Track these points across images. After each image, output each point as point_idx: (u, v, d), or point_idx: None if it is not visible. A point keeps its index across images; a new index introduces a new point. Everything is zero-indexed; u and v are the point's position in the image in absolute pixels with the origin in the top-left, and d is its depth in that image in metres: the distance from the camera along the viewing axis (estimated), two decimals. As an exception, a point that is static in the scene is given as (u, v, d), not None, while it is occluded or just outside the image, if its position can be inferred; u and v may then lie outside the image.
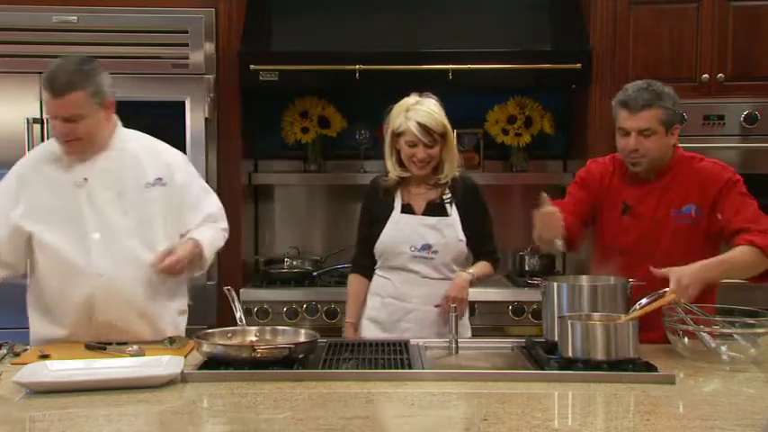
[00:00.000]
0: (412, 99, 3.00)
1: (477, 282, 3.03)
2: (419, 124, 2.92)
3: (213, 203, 2.96)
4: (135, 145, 2.82)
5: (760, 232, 2.65)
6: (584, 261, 3.57)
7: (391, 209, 3.04)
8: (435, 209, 3.02)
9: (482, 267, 3.06)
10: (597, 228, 2.95)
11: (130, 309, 2.74)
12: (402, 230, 3.00)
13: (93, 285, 2.70)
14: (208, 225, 2.89)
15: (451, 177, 3.03)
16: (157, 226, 2.78)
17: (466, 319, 3.09)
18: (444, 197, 3.03)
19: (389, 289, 3.03)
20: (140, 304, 2.75)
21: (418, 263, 2.99)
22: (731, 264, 2.64)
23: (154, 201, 2.78)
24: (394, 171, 3.03)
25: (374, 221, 3.06)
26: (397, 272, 3.02)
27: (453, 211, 3.02)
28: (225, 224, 2.97)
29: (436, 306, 2.96)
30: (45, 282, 2.76)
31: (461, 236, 3.00)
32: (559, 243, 2.73)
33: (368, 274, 3.10)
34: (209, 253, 2.84)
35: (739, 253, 2.63)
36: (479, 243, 3.06)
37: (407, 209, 3.03)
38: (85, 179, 2.73)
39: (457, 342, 2.64)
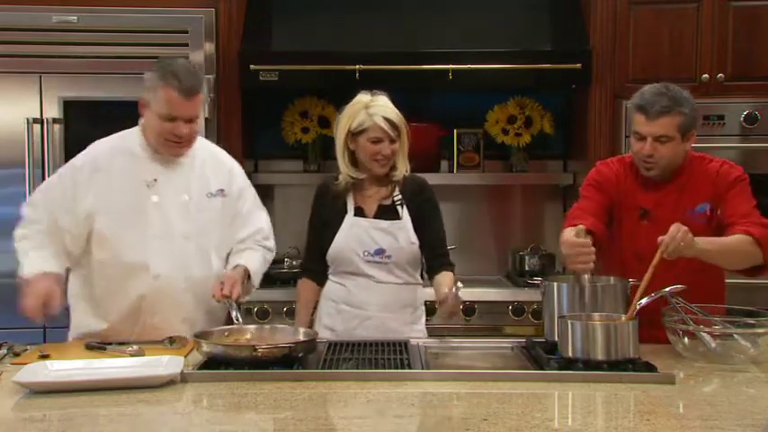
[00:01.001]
0: (366, 97, 2.92)
1: None
2: (386, 119, 2.86)
3: (264, 219, 2.98)
4: (202, 152, 2.85)
5: (754, 224, 2.67)
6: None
7: (342, 213, 2.95)
8: (386, 211, 2.95)
9: (447, 280, 2.89)
10: (614, 233, 2.89)
11: (177, 313, 2.75)
12: (354, 234, 2.92)
13: (148, 286, 2.71)
14: (255, 249, 2.90)
15: (402, 176, 2.96)
16: (212, 235, 2.82)
17: (422, 325, 3.00)
18: (395, 198, 2.96)
19: (343, 295, 2.94)
20: (187, 310, 2.77)
21: (372, 267, 2.91)
22: (724, 244, 2.63)
23: (213, 211, 2.81)
24: (348, 172, 2.93)
25: (324, 226, 2.97)
26: (351, 277, 2.94)
27: (405, 213, 2.95)
28: (273, 242, 2.99)
29: (441, 302, 2.83)
30: (99, 275, 2.75)
31: (414, 239, 2.92)
32: (587, 278, 2.61)
33: (318, 279, 3.01)
34: (257, 280, 2.88)
35: (735, 240, 2.64)
36: (432, 247, 2.96)
37: (359, 212, 2.96)
38: (155, 180, 2.74)
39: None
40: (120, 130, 2.90)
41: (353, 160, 2.95)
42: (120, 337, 2.70)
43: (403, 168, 2.95)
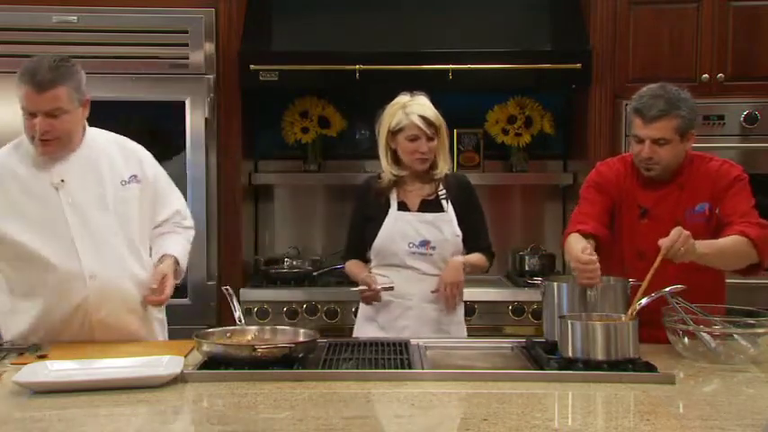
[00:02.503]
0: (405, 97, 3.03)
1: (468, 270, 3.03)
2: (421, 117, 2.96)
3: (180, 199, 2.99)
4: (104, 143, 2.79)
5: (751, 224, 2.67)
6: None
7: (385, 208, 3.05)
8: (430, 205, 3.05)
9: (475, 257, 3.08)
10: (615, 231, 2.89)
11: (123, 306, 2.74)
12: (399, 228, 3.02)
13: (87, 288, 2.66)
14: (177, 232, 2.91)
15: (444, 174, 3.06)
16: (135, 222, 2.79)
17: (461, 317, 3.10)
18: (439, 193, 3.06)
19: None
20: (132, 301, 2.76)
21: (416, 259, 3.01)
22: (721, 248, 2.63)
23: (131, 198, 2.78)
24: (390, 170, 3.04)
25: (367, 221, 3.07)
26: (395, 269, 3.03)
27: (449, 206, 3.05)
28: (191, 221, 3.00)
29: (433, 292, 2.98)
30: (37, 288, 2.66)
31: (458, 231, 3.02)
32: (592, 294, 2.57)
33: (364, 261, 3.13)
34: (184, 264, 2.88)
35: (732, 242, 2.64)
36: (474, 239, 3.09)
37: (402, 206, 3.05)
38: (63, 180, 2.67)
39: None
40: (120, 130, 2.90)
41: (395, 158, 3.05)
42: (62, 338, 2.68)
43: (444, 166, 3.06)
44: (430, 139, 2.98)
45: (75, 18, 3.77)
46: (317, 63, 3.88)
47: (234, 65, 3.87)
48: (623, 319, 2.40)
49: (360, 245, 3.12)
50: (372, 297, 3.00)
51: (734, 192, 2.77)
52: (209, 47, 3.84)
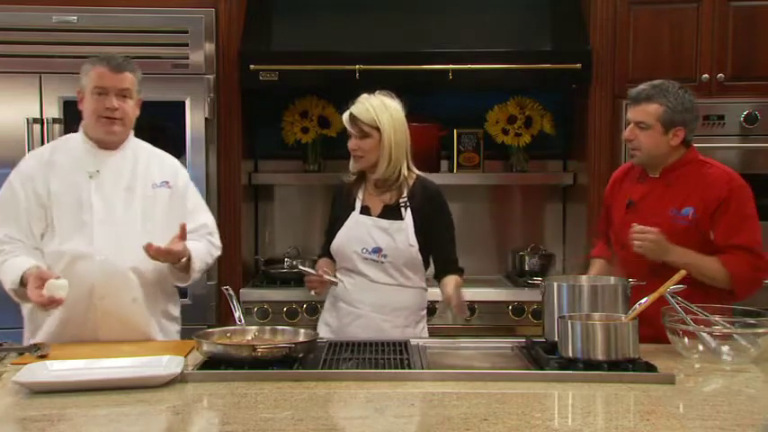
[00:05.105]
0: (367, 94, 2.99)
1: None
2: (350, 114, 2.95)
3: (210, 217, 3.01)
4: (144, 152, 2.93)
5: (737, 248, 2.74)
6: (583, 262, 3.57)
7: (351, 209, 3.02)
8: (391, 212, 2.99)
9: (456, 284, 2.96)
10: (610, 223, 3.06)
11: (126, 294, 2.77)
12: (355, 232, 2.98)
13: (95, 269, 2.73)
14: (201, 237, 2.92)
15: (411, 181, 2.99)
16: (159, 224, 2.82)
17: (419, 329, 3.03)
18: (401, 200, 2.99)
19: (341, 291, 3.00)
20: (135, 290, 2.78)
21: (368, 265, 2.96)
22: (696, 260, 2.72)
23: (159, 200, 2.86)
24: (351, 167, 3.04)
25: (336, 221, 3.06)
26: (349, 274, 2.99)
27: (408, 215, 2.97)
28: (218, 240, 3.00)
29: (446, 302, 2.96)
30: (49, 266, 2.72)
31: (413, 241, 2.95)
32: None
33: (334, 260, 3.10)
34: (198, 266, 2.84)
35: (711, 261, 2.74)
36: (440, 251, 3.02)
37: (365, 210, 3.02)
38: (98, 171, 2.80)
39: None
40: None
41: None
42: (76, 330, 2.72)
43: (381, 169, 2.95)
44: (357, 137, 2.93)
45: (75, 18, 3.77)
46: (317, 63, 3.87)
47: (234, 65, 3.87)
48: (623, 319, 2.41)
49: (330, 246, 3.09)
50: (315, 283, 2.99)
51: (732, 212, 2.76)
52: (209, 47, 3.84)
